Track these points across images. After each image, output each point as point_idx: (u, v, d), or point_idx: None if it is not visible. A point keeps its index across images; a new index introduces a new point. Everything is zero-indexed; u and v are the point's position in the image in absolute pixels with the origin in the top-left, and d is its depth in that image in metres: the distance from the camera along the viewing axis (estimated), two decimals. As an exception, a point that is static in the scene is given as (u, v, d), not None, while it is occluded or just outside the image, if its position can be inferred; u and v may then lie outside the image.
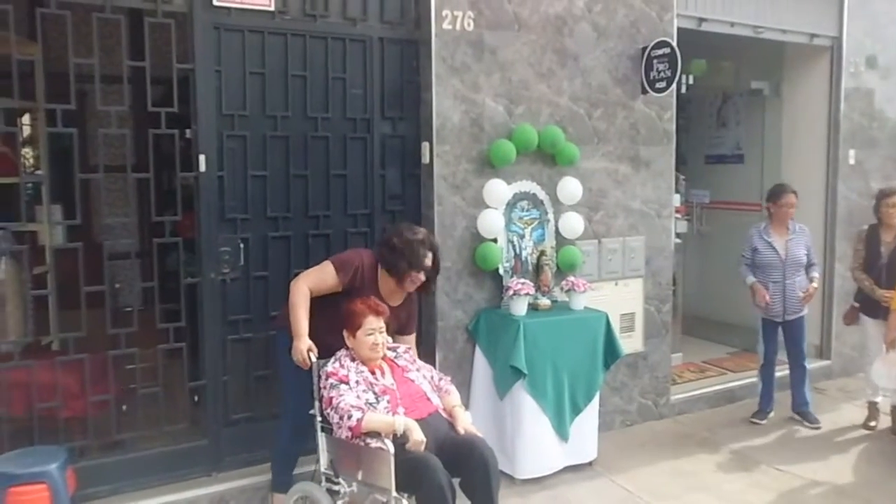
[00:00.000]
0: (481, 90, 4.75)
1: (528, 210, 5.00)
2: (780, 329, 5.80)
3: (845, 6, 6.57)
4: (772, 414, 5.92)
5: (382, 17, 4.60)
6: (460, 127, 4.71)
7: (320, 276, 3.70)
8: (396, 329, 3.84)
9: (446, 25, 4.60)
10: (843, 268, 6.67)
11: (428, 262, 3.79)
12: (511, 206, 4.91)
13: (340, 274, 3.70)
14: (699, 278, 7.98)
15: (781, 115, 7.22)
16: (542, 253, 4.98)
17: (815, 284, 5.68)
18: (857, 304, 5.92)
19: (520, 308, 4.66)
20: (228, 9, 4.12)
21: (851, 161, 6.85)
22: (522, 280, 4.73)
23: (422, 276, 3.78)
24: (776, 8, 6.22)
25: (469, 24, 4.67)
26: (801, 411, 5.88)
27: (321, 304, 3.66)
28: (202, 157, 4.11)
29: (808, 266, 5.72)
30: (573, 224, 5.06)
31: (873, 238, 5.76)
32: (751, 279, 5.74)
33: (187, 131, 4.17)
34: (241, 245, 4.23)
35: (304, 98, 4.39)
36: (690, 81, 6.71)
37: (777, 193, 5.73)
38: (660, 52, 5.23)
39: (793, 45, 6.72)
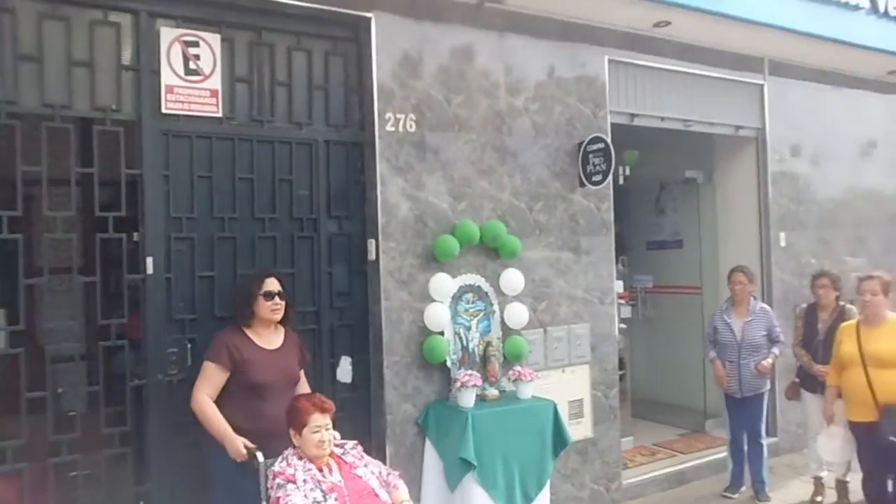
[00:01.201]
0: (425, 188, 4.93)
1: (473, 302, 5.12)
2: (741, 405, 5.95)
3: (766, 100, 7.01)
4: (743, 488, 6.03)
5: (328, 120, 4.79)
6: (405, 224, 4.85)
7: (207, 378, 3.74)
8: (291, 376, 3.89)
9: (389, 127, 4.80)
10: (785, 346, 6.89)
11: (272, 284, 3.87)
12: (457, 298, 5.02)
13: (218, 359, 3.74)
14: (647, 361, 8.14)
15: (715, 202, 7.57)
16: (489, 344, 5.07)
17: (768, 360, 5.89)
18: (797, 380, 6.13)
19: (468, 399, 4.72)
20: (177, 116, 4.26)
21: (783, 243, 7.17)
22: (470, 372, 4.81)
23: (277, 301, 3.84)
24: (703, 103, 6.60)
25: (411, 126, 4.88)
26: (756, 488, 6.00)
27: (226, 400, 3.72)
28: (149, 260, 4.16)
29: (773, 343, 5.95)
30: (518, 314, 5.18)
31: (811, 316, 6.02)
32: (712, 355, 6.07)
33: (135, 234, 4.23)
34: (189, 346, 4.24)
35: (251, 200, 4.50)
36: (627, 172, 7.03)
37: (728, 274, 6.04)
38: (595, 147, 5.50)
39: (721, 136, 7.11)
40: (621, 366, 6.20)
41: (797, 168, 7.34)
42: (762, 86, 7.00)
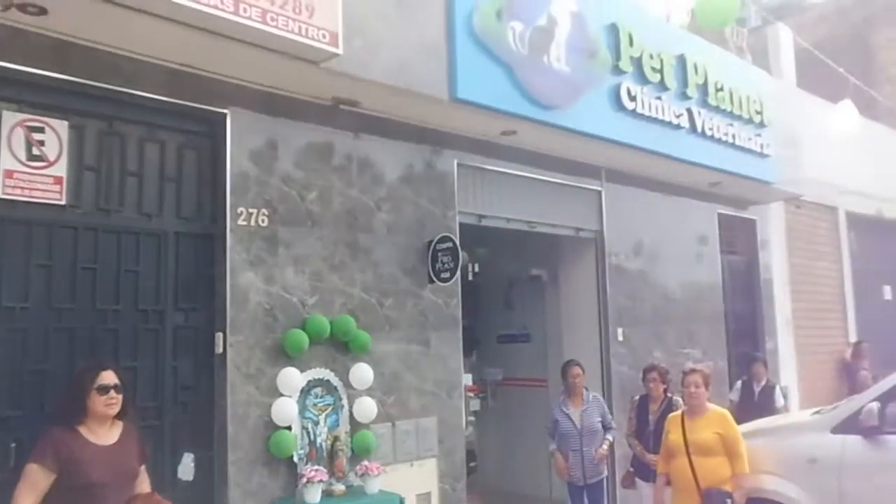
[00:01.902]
0: (275, 282, 4.97)
1: (322, 396, 5.13)
2: (584, 493, 6.17)
3: (603, 205, 7.59)
4: None
5: (179, 212, 4.77)
6: (255, 317, 4.85)
7: (29, 483, 3.45)
8: (127, 473, 3.69)
9: (241, 221, 4.84)
10: (620, 435, 7.24)
11: (107, 378, 3.67)
12: (305, 392, 5.02)
13: (42, 460, 3.47)
14: (496, 453, 8.31)
15: (559, 298, 8.00)
16: (337, 438, 5.07)
17: (604, 446, 6.19)
18: (632, 469, 6.45)
19: (313, 496, 4.67)
20: (14, 202, 4.12)
21: (620, 338, 7.64)
22: (316, 467, 4.78)
23: (112, 395, 3.66)
24: (546, 206, 7.06)
25: (264, 221, 4.94)
26: None
27: None
28: (-26, 353, 3.94)
29: (607, 430, 6.24)
30: (367, 408, 5.23)
31: (642, 407, 6.41)
32: (552, 447, 6.27)
33: (-40, 325, 4.00)
34: (14, 446, 3.99)
35: (93, 290, 4.37)
36: (476, 269, 7.34)
37: (565, 368, 6.36)
38: (444, 245, 5.75)
39: (564, 237, 7.59)
40: (472, 457, 6.32)
41: (633, 267, 7.92)
42: (600, 192, 7.59)
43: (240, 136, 4.89)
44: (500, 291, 8.55)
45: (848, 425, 5.13)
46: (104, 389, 3.67)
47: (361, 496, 4.92)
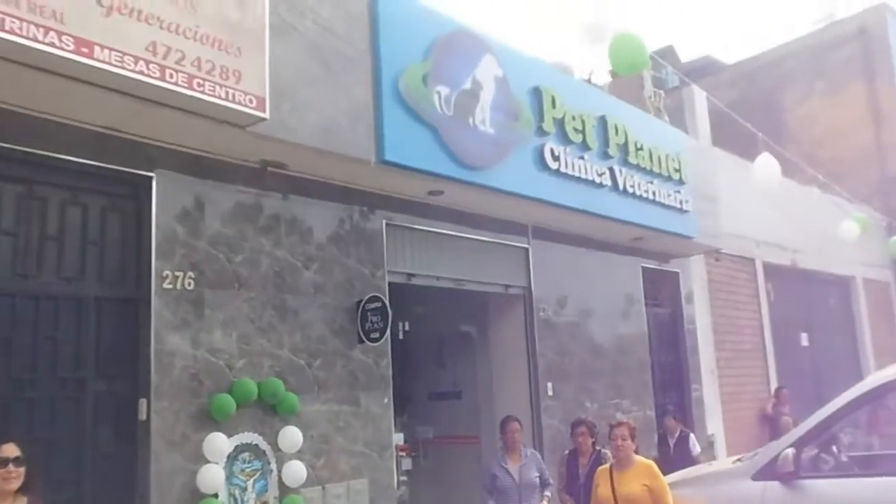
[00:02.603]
0: (201, 346, 4.90)
1: (249, 461, 5.03)
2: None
3: (531, 261, 7.74)
4: None
5: (101, 276, 4.69)
6: (180, 382, 4.75)
7: None
8: None
9: (167, 285, 4.78)
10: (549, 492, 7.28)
11: (6, 451, 3.51)
12: (232, 458, 4.92)
13: None
14: (431, 512, 8.23)
15: (489, 354, 8.07)
16: (265, 504, 4.97)
17: (543, 502, 6.20)
18: (564, 524, 6.47)
19: (241, 567, 4.55)
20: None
21: (550, 392, 7.73)
22: (243, 536, 4.66)
23: (10, 468, 3.47)
24: (475, 263, 7.18)
25: (190, 284, 4.89)
26: None
27: None
28: None
29: (545, 486, 6.25)
30: (296, 472, 5.15)
31: (572, 461, 6.47)
32: None
33: None
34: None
35: (9, 359, 4.23)
36: (407, 328, 7.37)
37: (503, 424, 6.37)
38: (373, 305, 5.78)
39: (493, 294, 7.69)
40: (404, 517, 6.25)
41: (561, 322, 8.06)
42: (527, 249, 7.75)
43: (166, 199, 4.86)
44: (431, 349, 8.58)
45: (767, 472, 5.25)
46: (2, 463, 3.52)
47: (291, 564, 4.81)
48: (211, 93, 4.33)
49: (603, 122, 7.87)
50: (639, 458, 5.70)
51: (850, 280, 15.64)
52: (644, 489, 5.39)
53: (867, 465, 6.02)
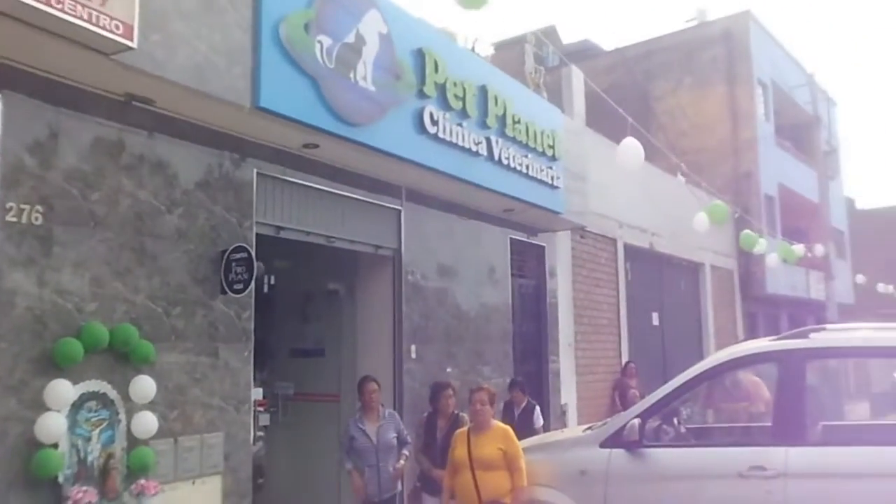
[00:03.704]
0: (47, 286, 4.58)
1: (95, 411, 4.77)
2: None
3: (402, 224, 7.73)
4: None
5: (-65, 203, 4.28)
6: (20, 323, 4.43)
7: None
8: None
9: (10, 217, 4.42)
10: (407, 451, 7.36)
11: None
12: (77, 407, 4.64)
13: None
14: (286, 469, 8.14)
15: (356, 314, 8.02)
16: (111, 456, 4.74)
17: (401, 461, 6.29)
18: (419, 484, 6.59)
19: (79, 518, 4.33)
20: None
21: (413, 355, 7.79)
22: (84, 488, 4.45)
23: None
24: (346, 221, 7.09)
25: (37, 219, 4.54)
26: None
27: None
28: None
29: (403, 445, 6.31)
30: (147, 423, 4.93)
31: (431, 424, 6.57)
32: (348, 466, 6.26)
33: None
34: None
35: None
36: (272, 282, 7.19)
37: (361, 384, 6.39)
38: (238, 256, 5.59)
39: (363, 253, 7.63)
40: (260, 473, 6.14)
41: (429, 286, 8.12)
42: (400, 211, 7.73)
43: (14, 124, 4.47)
44: (297, 305, 8.43)
45: (614, 440, 5.54)
46: None
47: (135, 517, 4.63)
48: (71, 12, 4.01)
49: (484, 91, 7.92)
50: (496, 422, 5.87)
51: (699, 266, 16.66)
52: (499, 452, 5.57)
53: (702, 437, 6.47)
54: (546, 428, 8.58)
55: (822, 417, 7.36)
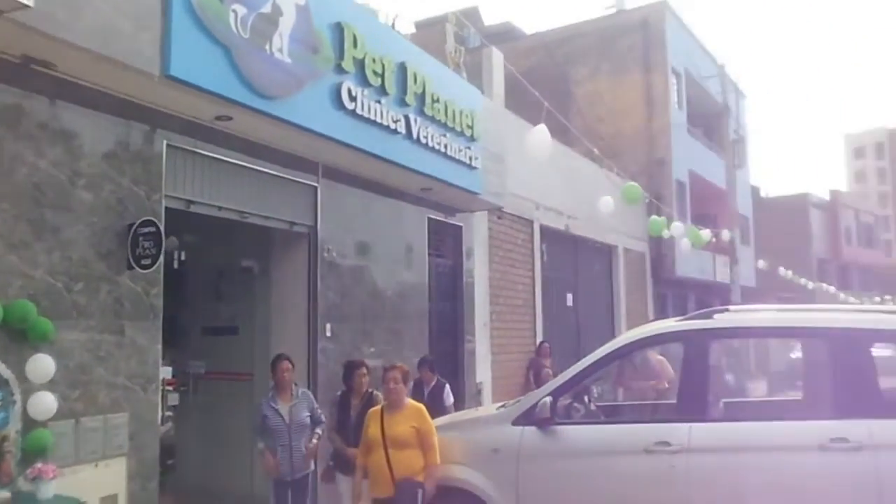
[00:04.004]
0: (-64, 258, 4.32)
1: (-11, 390, 4.55)
2: (289, 489, 6.12)
3: (319, 201, 7.62)
4: None
5: None
6: None
7: None
8: None
9: None
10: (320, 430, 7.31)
11: None
12: (-33, 386, 4.42)
13: None
14: (197, 449, 7.98)
15: (270, 291, 7.88)
16: (4, 438, 4.52)
17: (314, 440, 6.21)
18: (332, 463, 6.55)
19: (-30, 503, 4.12)
20: None
21: (328, 333, 7.71)
22: (-25, 471, 4.22)
23: None
24: (260, 196, 6.93)
25: (-76, 186, 4.28)
26: None
27: None
28: None
29: (316, 424, 6.26)
30: (44, 404, 4.72)
31: (345, 402, 6.53)
32: (260, 445, 6.14)
33: None
34: None
35: None
36: (183, 257, 6.98)
37: (274, 362, 6.27)
38: (146, 230, 5.40)
39: (278, 230, 7.49)
40: (170, 454, 5.98)
41: (345, 265, 8.04)
42: (316, 187, 7.61)
43: None
44: (209, 281, 8.23)
45: (526, 417, 5.63)
46: None
47: (31, 503, 4.43)
48: (-39, -36, 3.76)
49: (403, 69, 7.85)
50: (409, 401, 5.87)
51: (613, 249, 17.06)
52: (412, 430, 5.58)
53: (611, 414, 6.66)
54: (460, 407, 8.65)
55: (724, 395, 7.68)
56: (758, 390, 16.32)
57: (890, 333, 5.52)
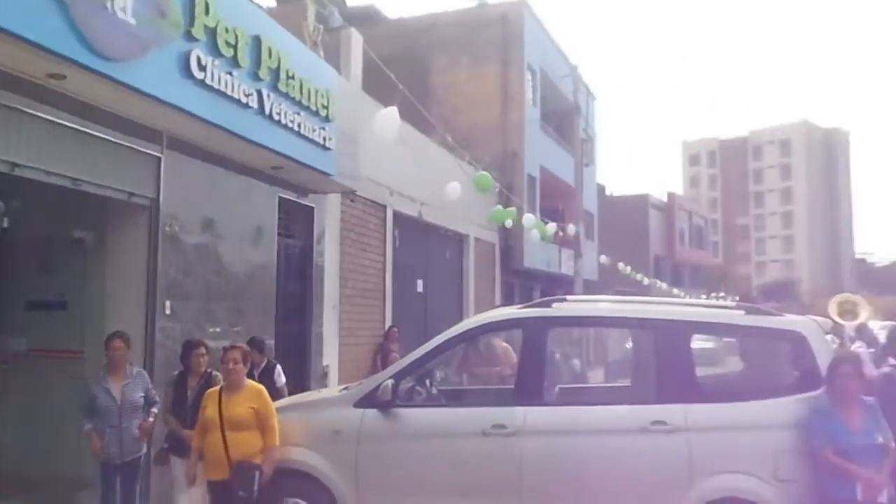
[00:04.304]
0: None
1: None
2: (118, 472, 5.86)
3: (162, 172, 7.26)
4: None
5: None
6: None
7: None
8: None
9: None
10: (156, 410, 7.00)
11: None
12: None
13: None
14: (18, 431, 7.46)
15: (105, 265, 7.43)
16: None
17: (149, 420, 6.00)
18: (166, 446, 6.30)
19: None
20: None
21: (168, 311, 7.39)
22: None
23: None
24: (96, 164, 6.51)
25: None
26: None
27: None
28: None
29: (150, 405, 6.04)
30: None
31: (181, 383, 6.30)
32: (87, 427, 5.84)
33: None
34: None
35: None
36: (5, 225, 6.46)
37: (107, 341, 5.96)
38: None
39: (115, 200, 7.07)
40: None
41: (189, 241, 7.72)
42: (160, 158, 7.24)
43: None
44: (35, 252, 7.66)
45: (368, 400, 5.67)
46: None
47: None
48: None
49: (258, 42, 7.60)
50: (249, 381, 5.77)
51: (464, 237, 17.42)
52: (251, 412, 5.48)
53: (453, 398, 6.82)
54: (301, 389, 8.55)
55: (565, 381, 8.03)
56: (597, 378, 17.17)
57: (707, 325, 5.97)
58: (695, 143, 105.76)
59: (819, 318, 5.97)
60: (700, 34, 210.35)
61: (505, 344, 9.58)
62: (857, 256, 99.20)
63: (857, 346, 10.55)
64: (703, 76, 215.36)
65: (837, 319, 13.92)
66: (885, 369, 6.11)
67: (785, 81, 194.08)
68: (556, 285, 22.80)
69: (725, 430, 5.18)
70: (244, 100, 7.42)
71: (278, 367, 7.80)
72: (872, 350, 8.85)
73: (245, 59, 7.38)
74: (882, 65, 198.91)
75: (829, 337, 11.84)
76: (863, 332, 11.65)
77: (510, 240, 19.63)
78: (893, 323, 10.61)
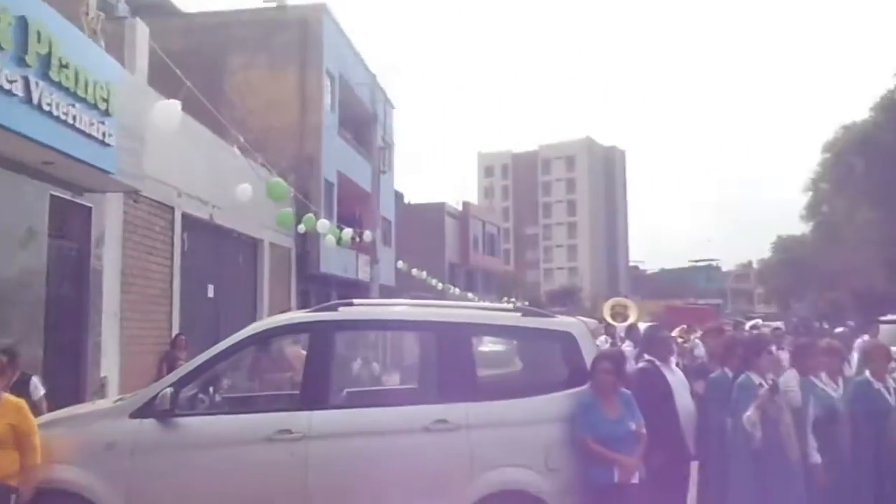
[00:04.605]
0: None
1: None
2: None
3: None
4: None
5: None
6: None
7: None
8: None
9: None
10: None
11: None
12: None
13: None
14: None
15: None
16: None
17: None
18: None
19: None
20: None
21: None
22: None
23: None
24: None
25: None
26: None
27: None
28: None
29: None
30: None
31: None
32: None
33: None
34: None
35: None
36: None
37: None
38: None
39: None
40: None
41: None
42: None
43: None
44: None
45: (145, 410, 5.38)
46: None
47: None
48: None
49: (24, 23, 6.94)
50: (7, 396, 5.27)
51: (259, 242, 17.04)
52: (8, 428, 5.03)
53: (239, 405, 6.63)
54: (76, 403, 7.93)
55: (357, 384, 8.04)
56: (392, 381, 17.39)
57: (486, 327, 6.26)
58: (490, 156, 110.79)
59: (587, 320, 6.48)
60: (497, 50, 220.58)
61: (299, 349, 9.48)
62: (631, 264, 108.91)
63: (626, 346, 11.60)
64: (501, 90, 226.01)
65: (610, 321, 15.21)
66: (641, 364, 6.72)
67: (572, 99, 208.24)
68: (353, 291, 22.89)
69: (503, 426, 5.45)
70: (7, 86, 6.73)
71: (34, 378, 7.07)
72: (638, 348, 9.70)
73: (9, 41, 6.70)
74: (655, 88, 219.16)
75: (603, 337, 12.88)
76: (632, 332, 12.78)
77: (306, 245, 19.45)
78: (653, 324, 11.70)
